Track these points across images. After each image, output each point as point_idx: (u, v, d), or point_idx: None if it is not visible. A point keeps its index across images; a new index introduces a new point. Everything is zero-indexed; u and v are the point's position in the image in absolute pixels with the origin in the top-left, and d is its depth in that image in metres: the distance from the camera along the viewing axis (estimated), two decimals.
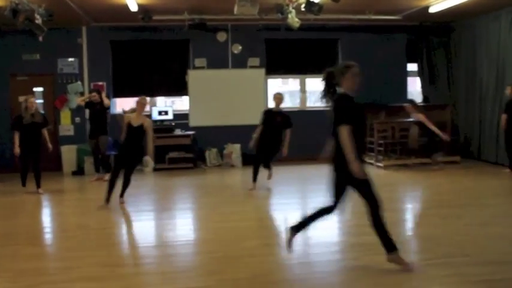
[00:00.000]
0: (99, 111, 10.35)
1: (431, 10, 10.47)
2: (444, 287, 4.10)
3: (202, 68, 12.15)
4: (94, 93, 10.41)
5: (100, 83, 11.85)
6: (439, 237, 5.60)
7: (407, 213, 6.75)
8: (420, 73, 12.99)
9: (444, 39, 12.78)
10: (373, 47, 12.54)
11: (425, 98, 12.95)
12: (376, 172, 9.96)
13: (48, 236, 6.34)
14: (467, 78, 12.00)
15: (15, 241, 5.82)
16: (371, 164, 10.69)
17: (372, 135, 11.40)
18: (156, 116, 11.68)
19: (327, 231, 6.01)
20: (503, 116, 9.66)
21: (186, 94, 12.15)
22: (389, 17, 11.28)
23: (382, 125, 11.46)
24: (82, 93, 11.81)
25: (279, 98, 8.68)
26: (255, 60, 12.34)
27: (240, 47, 12.30)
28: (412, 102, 10.65)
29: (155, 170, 11.25)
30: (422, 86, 13.06)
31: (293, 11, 9.27)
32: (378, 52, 12.53)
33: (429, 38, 12.77)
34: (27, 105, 8.77)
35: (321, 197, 7.65)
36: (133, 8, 9.61)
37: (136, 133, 7.46)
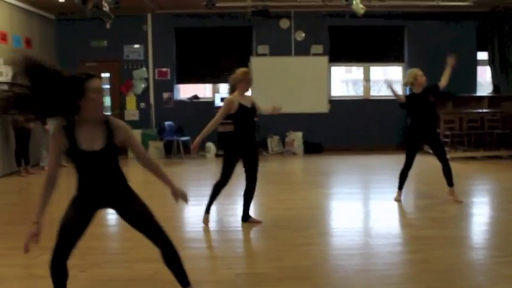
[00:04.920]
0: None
1: None
2: None
3: (264, 55, 12.13)
4: None
5: (164, 69, 12.07)
6: (510, 234, 5.36)
7: (475, 208, 6.49)
8: (491, 62, 12.44)
9: None
10: (440, 34, 12.12)
11: (496, 88, 12.41)
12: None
13: (112, 217, 6.51)
14: None
15: None
16: None
17: (439, 126, 11.05)
18: (219, 103, 11.78)
19: (388, 223, 5.88)
20: None
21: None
22: (459, 3, 10.84)
23: (449, 116, 11.08)
24: (147, 79, 12.08)
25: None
26: (318, 48, 12.20)
27: (303, 34, 12.18)
28: None
29: (217, 156, 11.41)
30: (493, 76, 12.52)
31: None
32: (446, 40, 12.09)
33: (501, 24, 12.19)
34: None
35: (383, 188, 7.54)
36: None
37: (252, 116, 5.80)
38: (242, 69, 5.85)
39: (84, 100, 2.99)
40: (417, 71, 6.71)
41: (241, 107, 5.59)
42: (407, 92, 7.55)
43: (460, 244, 5.08)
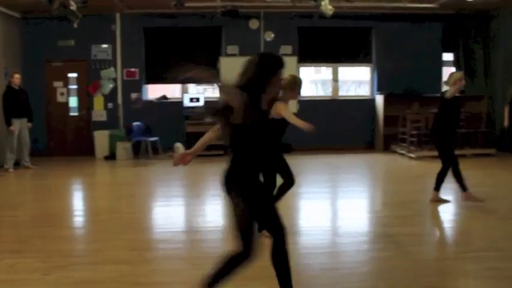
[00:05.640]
0: None
1: None
2: (478, 281, 3.99)
3: (234, 55, 12.13)
4: None
5: (132, 69, 11.96)
6: (472, 231, 5.48)
7: (440, 206, 6.60)
8: (456, 63, 12.68)
9: (482, 28, 12.44)
10: (407, 35, 12.31)
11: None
12: (408, 163, 9.80)
13: (79, 219, 6.43)
14: (506, 70, 11.64)
15: (47, 223, 5.92)
16: (403, 154, 10.54)
17: (405, 125, 11.24)
18: (187, 103, 11.73)
19: (356, 221, 5.94)
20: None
21: (217, 81, 12.11)
22: (425, 5, 11.03)
23: (415, 116, 11.25)
24: (115, 79, 11.95)
25: None
26: (287, 48, 12.25)
27: (273, 35, 12.21)
28: None
29: None
30: None
31: None
32: (413, 41, 12.30)
33: (466, 27, 12.45)
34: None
35: (351, 187, 7.60)
36: None
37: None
38: (291, 76, 5.27)
39: (274, 80, 3.18)
40: (461, 76, 6.58)
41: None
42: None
43: (426, 241, 5.18)
